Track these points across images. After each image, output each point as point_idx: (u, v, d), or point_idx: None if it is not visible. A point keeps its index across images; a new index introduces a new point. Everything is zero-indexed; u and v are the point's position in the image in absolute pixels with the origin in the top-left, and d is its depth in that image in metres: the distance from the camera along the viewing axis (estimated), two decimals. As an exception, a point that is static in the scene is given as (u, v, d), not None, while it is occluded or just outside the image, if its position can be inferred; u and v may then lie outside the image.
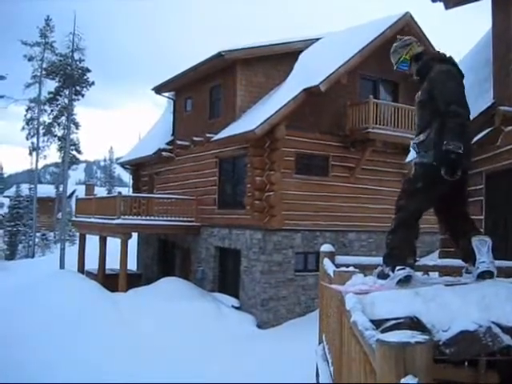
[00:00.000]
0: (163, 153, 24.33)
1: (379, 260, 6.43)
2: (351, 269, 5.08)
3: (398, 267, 4.47)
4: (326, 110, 18.42)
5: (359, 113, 18.60)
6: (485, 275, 4.39)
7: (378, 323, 3.65)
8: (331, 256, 6.84)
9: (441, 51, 5.04)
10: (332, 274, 5.36)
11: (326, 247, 7.06)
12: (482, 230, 5.01)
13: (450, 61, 4.84)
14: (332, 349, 6.02)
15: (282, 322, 17.59)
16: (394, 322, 3.87)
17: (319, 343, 8.02)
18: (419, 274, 5.38)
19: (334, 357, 5.57)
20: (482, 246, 4.49)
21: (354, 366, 3.65)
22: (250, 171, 18.44)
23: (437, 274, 6.48)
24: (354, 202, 19.10)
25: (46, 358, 14.26)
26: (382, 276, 4.65)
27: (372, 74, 20.01)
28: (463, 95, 4.64)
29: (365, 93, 19.24)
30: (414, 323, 3.82)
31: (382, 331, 3.13)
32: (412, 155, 10.01)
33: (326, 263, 6.47)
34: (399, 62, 5.09)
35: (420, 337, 2.06)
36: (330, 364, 6.29)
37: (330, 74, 17.45)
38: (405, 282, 4.42)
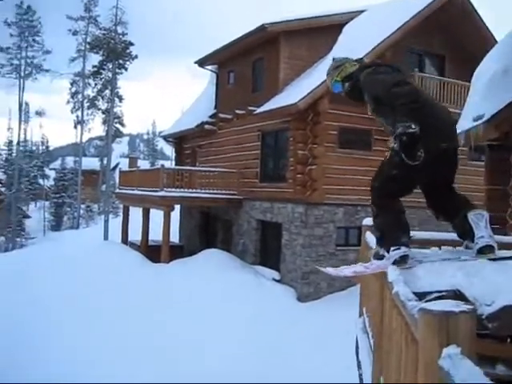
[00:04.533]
0: (206, 126, 24.40)
1: (421, 234, 6.38)
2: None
3: (392, 248, 4.28)
4: (371, 84, 18.19)
5: (404, 87, 18.31)
6: (485, 250, 4.21)
7: (420, 296, 3.64)
8: (371, 230, 6.82)
9: (366, 59, 4.90)
10: (374, 247, 5.34)
11: (368, 221, 7.02)
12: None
13: (372, 63, 4.79)
14: (372, 321, 6.02)
15: (322, 295, 17.62)
16: (436, 294, 3.86)
17: (359, 316, 8.03)
18: (417, 250, 5.19)
19: (375, 329, 5.58)
20: (478, 221, 4.30)
21: (395, 337, 3.65)
22: (292, 145, 18.39)
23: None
24: (397, 176, 18.90)
25: (97, 326, 14.66)
26: (378, 257, 4.50)
27: (418, 47, 19.66)
28: (400, 78, 4.43)
29: (410, 66, 18.94)
30: (456, 296, 3.79)
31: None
32: (459, 128, 9.85)
33: (368, 237, 6.44)
34: (332, 84, 4.94)
35: (464, 306, 2.04)
36: (370, 337, 6.30)
37: (375, 47, 17.20)
38: (401, 262, 4.21)
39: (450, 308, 2.02)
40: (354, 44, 17.94)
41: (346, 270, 4.61)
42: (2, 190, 47.12)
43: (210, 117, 24.67)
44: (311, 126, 17.76)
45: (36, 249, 29.96)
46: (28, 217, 49.49)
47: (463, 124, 9.78)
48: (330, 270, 4.78)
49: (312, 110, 17.45)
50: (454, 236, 5.28)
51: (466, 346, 1.98)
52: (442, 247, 5.78)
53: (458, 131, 10.31)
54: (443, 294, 3.86)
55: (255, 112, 19.44)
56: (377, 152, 18.52)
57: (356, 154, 18.17)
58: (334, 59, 5.01)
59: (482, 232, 4.23)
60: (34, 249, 30.97)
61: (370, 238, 6.36)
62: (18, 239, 42.12)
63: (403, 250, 4.24)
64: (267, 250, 20.22)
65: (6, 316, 15.53)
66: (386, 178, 4.50)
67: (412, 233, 4.98)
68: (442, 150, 4.30)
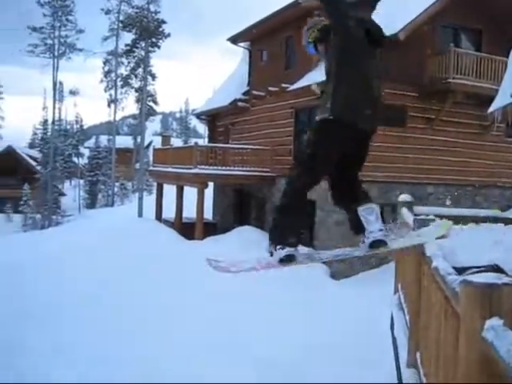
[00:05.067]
0: (239, 103, 24.39)
1: (458, 211, 6.34)
2: (432, 217, 5.02)
3: (278, 246, 4.21)
4: (405, 60, 17.89)
5: (439, 62, 18.04)
6: (375, 245, 4.17)
7: (458, 271, 3.64)
8: (410, 206, 6.81)
9: None
10: (412, 224, 5.33)
11: (404, 197, 7.03)
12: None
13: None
14: (408, 297, 6.03)
15: (355, 273, 17.61)
16: (475, 269, 3.85)
17: (394, 293, 8.04)
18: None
19: (411, 305, 5.59)
20: (368, 215, 4.23)
21: (434, 312, 3.66)
22: (325, 122, 18.29)
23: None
24: (432, 154, 18.68)
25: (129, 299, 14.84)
26: (270, 253, 4.39)
27: (453, 22, 19.30)
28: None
29: (445, 41, 18.63)
30: (494, 271, 3.79)
31: (464, 278, 3.12)
32: (496, 104, 9.71)
33: (405, 213, 6.44)
34: (306, 46, 4.78)
35: (506, 279, 2.05)
36: (406, 313, 6.32)
37: (410, 22, 16.96)
38: (287, 261, 4.18)
39: (492, 280, 2.02)
40: (390, 18, 17.67)
41: (236, 267, 4.56)
42: (38, 168, 47.75)
43: (243, 94, 24.63)
44: (345, 103, 17.62)
45: (72, 226, 30.46)
46: (63, 195, 50.19)
47: (500, 100, 9.64)
48: (227, 267, 4.68)
49: (345, 87, 17.29)
50: (486, 212, 5.26)
51: (508, 318, 1.98)
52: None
53: (494, 108, 10.15)
54: (482, 268, 3.86)
55: (288, 89, 19.37)
56: (412, 129, 18.38)
57: (390, 130, 18.00)
58: (308, 20, 4.90)
59: (372, 227, 4.17)
60: (70, 226, 31.48)
61: (407, 214, 6.36)
62: (54, 217, 42.69)
63: (287, 250, 4.17)
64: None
65: (35, 294, 15.83)
66: (305, 160, 4.29)
67: (443, 209, 4.90)
68: (355, 124, 4.14)
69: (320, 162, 4.19)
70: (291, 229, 4.26)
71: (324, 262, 17.77)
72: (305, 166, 4.22)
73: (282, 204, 4.29)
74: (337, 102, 4.07)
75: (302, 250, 4.36)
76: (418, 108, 18.46)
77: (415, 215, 6.06)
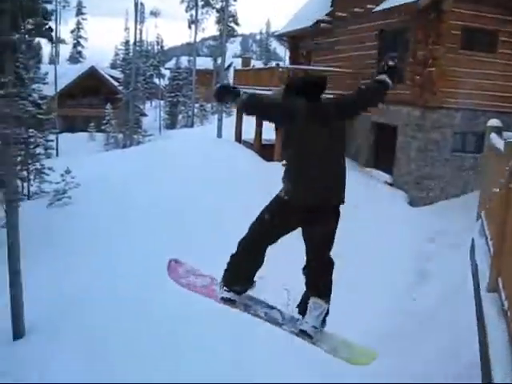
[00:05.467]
0: (321, 24, 23.80)
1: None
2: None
3: (225, 287, 4.54)
4: (499, -20, 17.03)
5: (537, -17, 17.05)
6: (302, 334, 4.35)
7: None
8: (499, 131, 6.65)
9: None
10: (502, 148, 5.21)
11: (493, 122, 6.87)
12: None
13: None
14: (493, 222, 5.98)
15: (434, 201, 17.40)
16: None
17: (477, 220, 7.97)
18: None
19: (495, 228, 5.54)
20: (315, 309, 4.34)
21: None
22: (411, 45, 17.75)
23: None
24: (522, 81, 17.91)
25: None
26: (219, 285, 4.70)
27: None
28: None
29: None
30: None
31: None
32: None
33: (494, 138, 6.30)
34: None
35: None
36: (489, 239, 6.27)
37: None
38: (227, 302, 4.53)
39: None
40: None
41: (183, 280, 4.86)
42: (120, 88, 48.42)
43: (327, 15, 23.99)
44: (432, 26, 16.97)
45: (153, 145, 31.01)
46: (145, 115, 50.88)
47: None
48: (173, 271, 4.99)
49: (434, 9, 16.62)
50: None
51: None
52: None
53: None
54: None
55: (374, 10, 18.75)
56: (502, 55, 17.59)
57: (479, 56, 17.30)
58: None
59: (309, 319, 4.35)
60: (151, 145, 32.06)
61: (496, 140, 6.22)
62: (135, 136, 43.49)
63: (231, 295, 4.53)
64: (381, 153, 20.01)
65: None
66: (261, 220, 4.45)
67: None
68: (304, 203, 4.20)
69: (269, 230, 4.38)
70: (240, 277, 4.57)
71: (403, 189, 17.68)
72: (258, 226, 4.42)
73: (237, 251, 4.53)
74: (286, 184, 4.26)
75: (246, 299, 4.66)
76: (510, 33, 17.60)
77: (505, 140, 5.92)
